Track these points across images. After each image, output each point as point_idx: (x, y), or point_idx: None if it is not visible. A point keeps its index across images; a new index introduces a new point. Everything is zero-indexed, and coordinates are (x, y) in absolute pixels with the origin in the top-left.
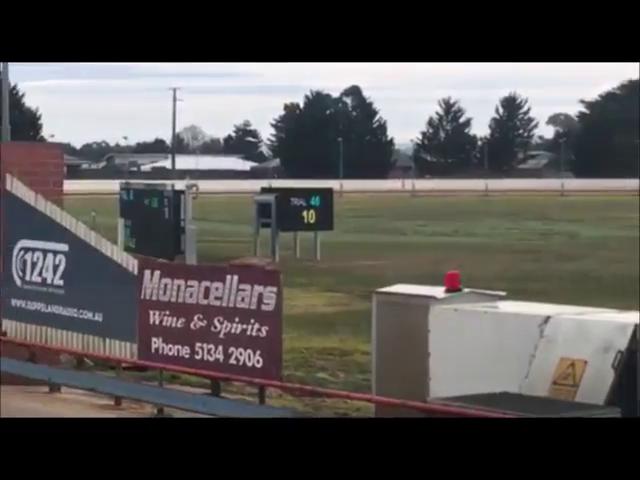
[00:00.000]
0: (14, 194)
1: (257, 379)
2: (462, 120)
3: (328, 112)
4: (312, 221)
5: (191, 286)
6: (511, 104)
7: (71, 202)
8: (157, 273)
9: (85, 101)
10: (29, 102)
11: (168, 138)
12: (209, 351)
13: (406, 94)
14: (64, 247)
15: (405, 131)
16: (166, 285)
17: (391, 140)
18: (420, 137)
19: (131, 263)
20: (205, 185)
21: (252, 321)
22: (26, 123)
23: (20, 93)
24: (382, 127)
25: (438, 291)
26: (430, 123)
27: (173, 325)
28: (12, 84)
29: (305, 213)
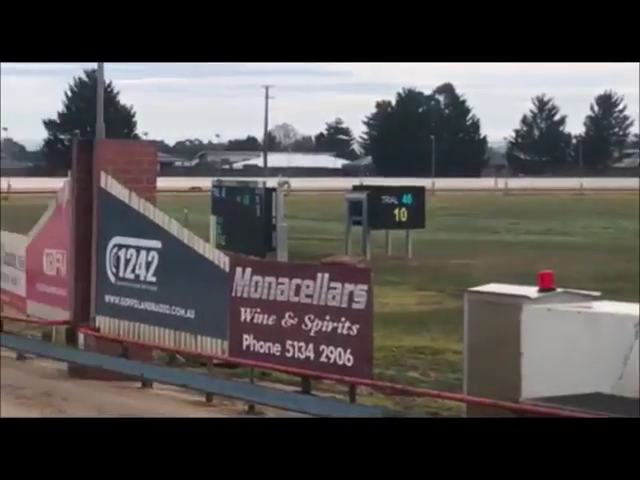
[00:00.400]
0: (108, 191)
1: (348, 377)
2: (556, 118)
3: (420, 110)
4: (404, 219)
5: (282, 283)
6: (606, 102)
7: (164, 199)
8: (248, 270)
9: (179, 99)
10: (124, 100)
11: (260, 136)
12: (300, 349)
13: (499, 92)
14: (157, 244)
15: (498, 129)
16: (257, 282)
17: (484, 138)
18: (514, 135)
19: (223, 260)
20: (297, 183)
21: (343, 319)
22: (120, 121)
23: (115, 91)
24: (475, 125)
25: (531, 291)
26: (524, 121)
27: (264, 322)
28: (107, 82)
29: (397, 211)
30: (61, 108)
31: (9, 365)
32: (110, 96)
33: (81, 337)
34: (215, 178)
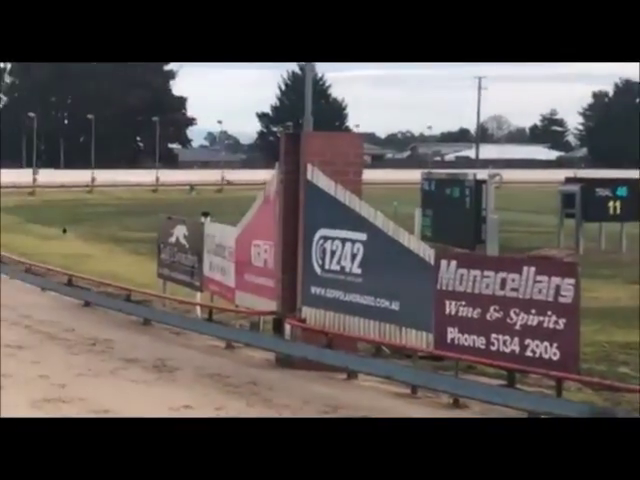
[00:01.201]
0: (315, 184)
1: (554, 372)
2: None
3: (638, 100)
4: (618, 212)
5: (487, 277)
6: None
7: (375, 192)
8: (453, 263)
9: (390, 91)
10: (335, 92)
11: (473, 127)
12: (505, 342)
13: None
14: (362, 236)
15: None
16: (462, 275)
17: None
18: None
19: (428, 253)
20: (509, 175)
21: (549, 313)
22: (332, 113)
23: (327, 84)
24: None
25: None
26: None
27: (469, 315)
28: (319, 75)
29: (611, 204)
30: (274, 101)
31: (218, 354)
32: (322, 89)
33: (287, 327)
34: (425, 170)
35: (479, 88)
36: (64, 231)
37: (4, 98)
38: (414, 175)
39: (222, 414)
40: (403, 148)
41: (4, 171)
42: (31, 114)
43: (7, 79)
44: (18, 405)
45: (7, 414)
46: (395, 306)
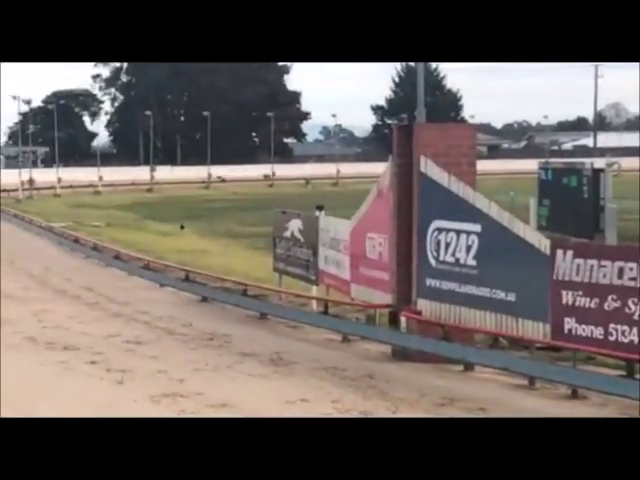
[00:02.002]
0: (428, 175)
1: None
2: None
3: None
4: None
5: (604, 266)
6: None
7: (491, 182)
8: (569, 253)
9: (505, 80)
10: (450, 83)
11: (590, 116)
12: (623, 332)
13: None
14: (477, 227)
15: None
16: (579, 265)
17: None
18: None
19: (543, 243)
20: (627, 163)
21: None
22: (447, 104)
23: (441, 75)
24: None
25: None
26: None
27: (586, 306)
28: (433, 66)
29: None
30: (388, 93)
31: (334, 347)
32: (436, 80)
33: (403, 320)
34: (542, 160)
35: (596, 76)
36: (182, 227)
37: (121, 97)
38: (531, 165)
39: (339, 407)
40: (519, 138)
41: (123, 169)
42: (148, 112)
43: (124, 78)
44: (137, 400)
45: (126, 408)
46: (511, 297)
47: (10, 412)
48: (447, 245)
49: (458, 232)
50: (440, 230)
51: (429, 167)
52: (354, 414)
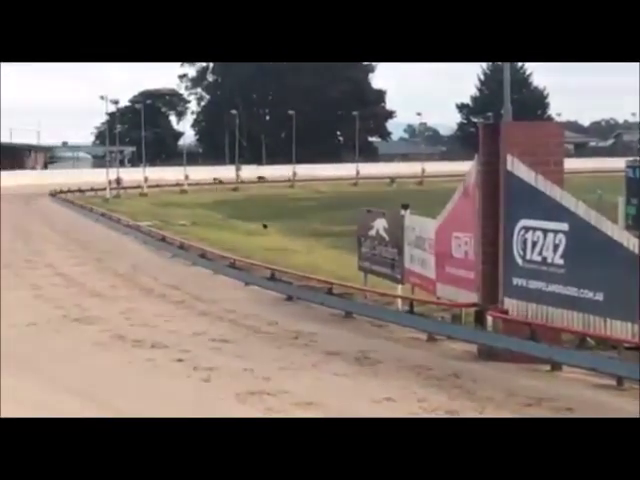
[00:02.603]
0: (515, 174)
1: None
2: None
3: None
4: None
5: None
6: None
7: (578, 180)
8: None
9: (592, 77)
10: (537, 80)
11: None
12: None
13: None
14: (564, 226)
15: None
16: None
17: None
18: None
19: (632, 242)
20: None
21: None
22: (533, 102)
23: (527, 72)
24: None
25: None
26: None
27: None
28: (519, 64)
29: None
30: (474, 91)
31: (419, 346)
32: (523, 77)
33: (489, 319)
34: (630, 158)
35: None
36: (264, 226)
37: (207, 96)
38: (619, 163)
39: (425, 406)
40: (607, 136)
41: (208, 168)
42: (233, 111)
43: (210, 78)
44: (224, 398)
45: (213, 406)
46: (599, 297)
47: (96, 410)
48: (534, 244)
49: (545, 231)
50: (527, 229)
51: (516, 166)
52: (440, 414)
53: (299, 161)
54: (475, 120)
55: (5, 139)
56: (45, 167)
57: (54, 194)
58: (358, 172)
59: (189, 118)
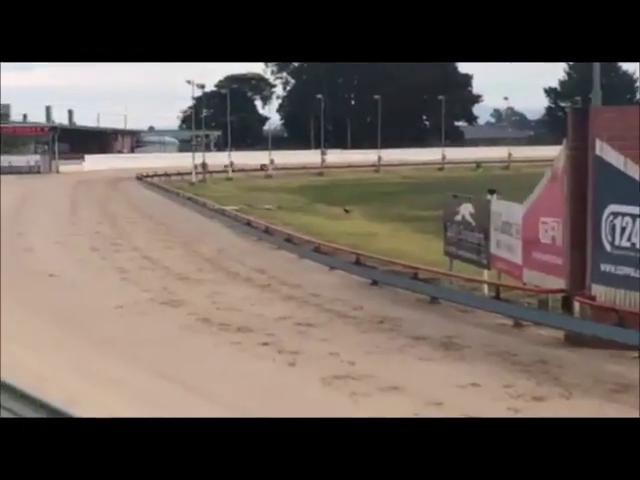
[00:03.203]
0: (604, 159)
1: None
2: None
3: None
4: None
5: None
6: None
7: None
8: None
9: None
10: (625, 65)
11: None
12: None
13: None
14: None
15: None
16: None
17: None
18: None
19: None
20: None
21: None
22: (622, 86)
23: None
24: None
25: None
26: None
27: None
28: None
29: None
30: (562, 75)
31: (505, 332)
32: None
33: (577, 305)
34: None
35: None
36: (346, 211)
37: (292, 81)
38: None
39: (511, 392)
40: None
41: (294, 152)
42: (319, 96)
43: (295, 62)
44: (309, 382)
45: (298, 390)
46: None
47: (183, 392)
48: (622, 230)
49: (634, 217)
50: (616, 214)
51: (605, 150)
52: (527, 399)
53: (384, 146)
54: (563, 104)
55: (93, 124)
56: (132, 151)
57: (141, 178)
58: (444, 157)
59: (275, 103)
